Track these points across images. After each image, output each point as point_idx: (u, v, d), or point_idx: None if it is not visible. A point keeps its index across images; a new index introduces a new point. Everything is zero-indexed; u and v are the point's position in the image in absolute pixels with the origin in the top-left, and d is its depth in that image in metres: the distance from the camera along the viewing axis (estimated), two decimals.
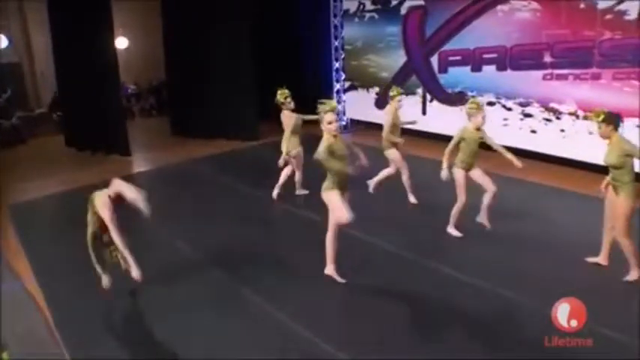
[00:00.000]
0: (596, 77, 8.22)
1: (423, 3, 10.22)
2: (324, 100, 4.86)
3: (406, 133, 8.46)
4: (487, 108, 9.17)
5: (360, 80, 11.88)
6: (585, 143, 8.32)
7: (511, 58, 9.19)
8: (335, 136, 4.78)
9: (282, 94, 7.08)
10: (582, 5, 8.09)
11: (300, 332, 4.30)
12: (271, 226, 6.91)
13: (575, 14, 8.20)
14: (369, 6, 11.15)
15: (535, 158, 8.60)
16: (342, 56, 12.04)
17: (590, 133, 8.19)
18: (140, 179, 9.10)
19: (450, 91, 10.28)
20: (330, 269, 5.12)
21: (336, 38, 11.85)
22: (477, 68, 9.80)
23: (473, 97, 9.80)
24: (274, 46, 12.14)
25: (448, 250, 5.78)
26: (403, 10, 10.58)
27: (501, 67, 9.40)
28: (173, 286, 5.10)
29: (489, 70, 9.60)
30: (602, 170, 5.20)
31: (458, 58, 10.03)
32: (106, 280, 4.66)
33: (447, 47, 10.12)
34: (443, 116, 10.20)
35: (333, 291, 4.95)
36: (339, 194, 4.82)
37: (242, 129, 11.43)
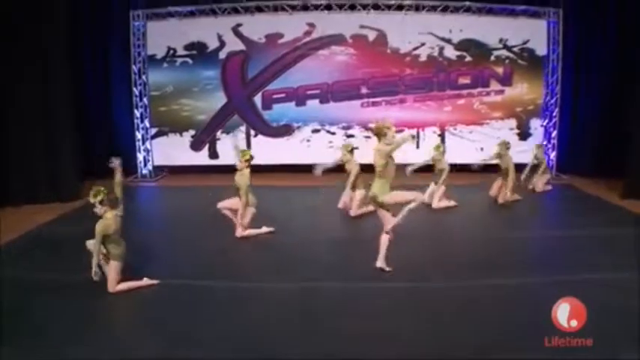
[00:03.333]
0: (402, 101, 11.18)
1: (244, 48, 11.10)
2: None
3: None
4: (312, 135, 11.07)
5: (170, 125, 11.35)
6: (397, 150, 10.56)
7: (332, 92, 11.18)
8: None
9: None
10: (388, 50, 11.01)
11: None
12: None
13: (384, 56, 11.04)
14: (181, 51, 11.11)
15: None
16: (146, 103, 11.31)
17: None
18: None
19: (275, 124, 11.31)
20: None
21: (136, 85, 11.07)
22: (301, 103, 11.31)
23: (298, 127, 11.34)
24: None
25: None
26: (222, 55, 11.12)
27: (324, 100, 11.25)
28: None
29: (313, 103, 11.27)
30: None
31: (282, 95, 11.33)
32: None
33: (270, 87, 11.23)
34: (268, 147, 11.03)
35: None
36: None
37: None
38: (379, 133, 5.57)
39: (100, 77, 11.33)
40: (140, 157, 11.41)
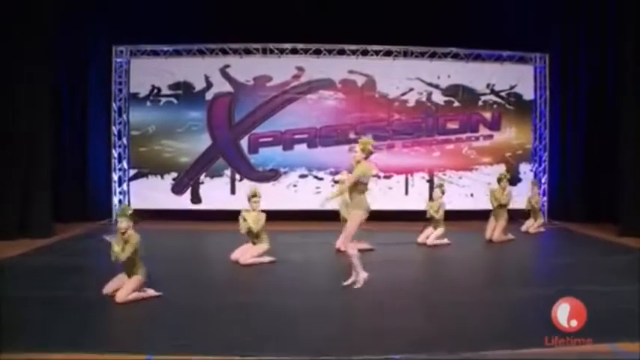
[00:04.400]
0: (391, 147, 11.07)
1: (231, 90, 10.91)
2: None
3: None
4: (299, 180, 10.83)
5: (151, 167, 10.83)
6: (385, 196, 10.62)
7: (320, 137, 11.01)
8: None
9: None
10: (377, 95, 11.03)
11: None
12: None
13: (373, 101, 11.04)
14: (165, 90, 10.81)
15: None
16: (126, 143, 10.81)
17: (390, 188, 10.98)
18: None
19: (261, 169, 10.97)
20: None
21: (115, 124, 10.63)
22: (288, 147, 11.06)
23: (285, 172, 11.05)
24: None
25: None
26: (209, 96, 10.88)
27: (312, 145, 11.05)
28: None
29: (301, 148, 11.04)
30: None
31: (269, 139, 11.06)
32: None
33: (257, 130, 10.97)
34: None
35: None
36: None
37: None
38: (364, 149, 5.86)
39: (77, 114, 10.72)
40: (115, 199, 10.77)
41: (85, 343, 4.14)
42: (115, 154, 10.75)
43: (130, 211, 5.46)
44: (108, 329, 4.69)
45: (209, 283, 6.27)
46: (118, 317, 5.00)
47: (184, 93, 10.87)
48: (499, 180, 9.02)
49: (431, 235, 8.57)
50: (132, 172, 10.87)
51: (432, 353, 3.88)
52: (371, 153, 5.95)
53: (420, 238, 8.59)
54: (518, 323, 4.58)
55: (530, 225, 9.71)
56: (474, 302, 5.36)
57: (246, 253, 7.22)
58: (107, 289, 5.46)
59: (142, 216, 6.18)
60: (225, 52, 10.76)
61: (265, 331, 4.47)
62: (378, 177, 10.67)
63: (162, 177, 10.89)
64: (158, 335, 4.37)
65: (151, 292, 5.52)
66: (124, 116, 10.83)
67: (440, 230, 8.59)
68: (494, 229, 8.85)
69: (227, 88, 10.92)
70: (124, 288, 5.34)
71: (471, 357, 3.82)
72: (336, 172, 11.03)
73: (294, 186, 10.99)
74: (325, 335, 4.36)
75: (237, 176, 10.99)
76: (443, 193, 8.74)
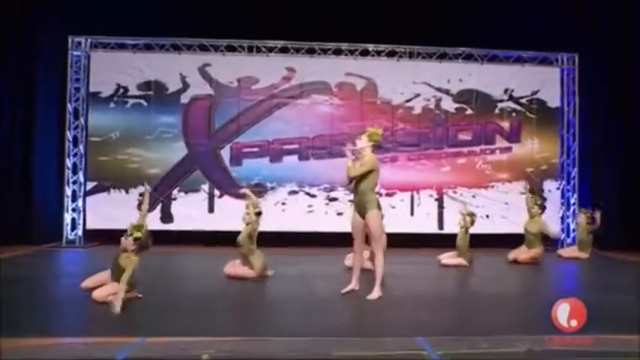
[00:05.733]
0: (394, 160, 9.79)
1: (212, 92, 9.52)
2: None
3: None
4: (288, 197, 9.78)
5: (113, 179, 9.26)
6: (387, 217, 9.01)
7: (313, 148, 9.68)
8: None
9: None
10: (378, 101, 9.75)
11: None
12: None
13: (373, 108, 9.77)
14: (133, 90, 9.34)
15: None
16: (83, 151, 9.21)
17: (393, 207, 9.57)
18: None
19: (244, 183, 9.41)
20: None
21: (70, 129, 9.04)
22: (276, 159, 9.68)
23: (272, 187, 9.64)
24: None
25: None
26: (185, 99, 9.46)
27: (304, 157, 9.71)
28: None
29: (291, 160, 9.69)
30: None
31: (254, 149, 9.68)
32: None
33: (241, 139, 9.59)
34: (235, 211, 8.59)
35: None
36: None
37: None
38: (372, 138, 5.38)
39: (20, 116, 9.13)
40: (68, 218, 9.18)
41: None
42: (68, 164, 9.19)
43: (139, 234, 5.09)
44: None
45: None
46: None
47: (156, 94, 9.48)
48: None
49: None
50: (89, 185, 9.29)
51: (456, 336, 3.95)
52: (379, 145, 5.55)
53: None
54: None
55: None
56: None
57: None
58: (87, 282, 5.29)
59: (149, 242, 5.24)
60: (204, 48, 9.44)
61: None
62: (379, 194, 9.33)
63: (126, 192, 9.36)
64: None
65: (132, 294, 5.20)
66: (82, 119, 9.32)
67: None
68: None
69: (206, 90, 9.60)
70: (103, 288, 5.10)
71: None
72: (332, 189, 9.75)
73: (283, 204, 9.61)
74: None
75: (217, 192, 9.54)
76: (472, 223, 7.75)
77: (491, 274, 7.32)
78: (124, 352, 3.40)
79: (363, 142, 5.36)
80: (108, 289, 5.02)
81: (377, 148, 5.43)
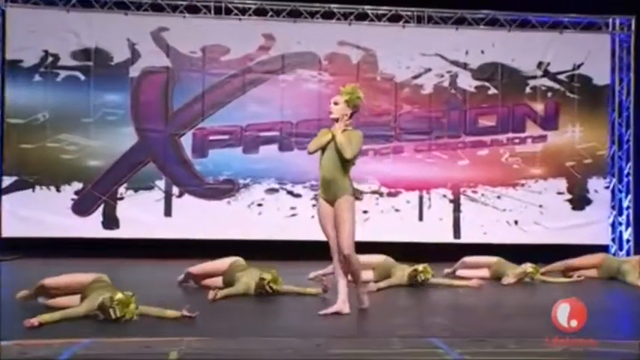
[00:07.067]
0: (398, 151, 8.40)
1: (169, 65, 7.96)
2: None
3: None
4: (266, 197, 8.29)
5: (39, 173, 7.79)
6: (389, 223, 8.22)
7: (297, 136, 8.20)
8: None
9: None
10: (379, 78, 8.27)
11: None
12: None
13: (373, 86, 8.21)
14: (66, 60, 7.82)
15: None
16: None
17: (397, 210, 8.29)
18: None
19: (211, 180, 8.12)
20: None
21: None
22: (251, 149, 8.24)
23: (246, 185, 8.21)
24: None
25: None
26: (134, 72, 7.92)
27: (285, 147, 8.29)
28: None
29: (269, 150, 8.25)
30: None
31: (223, 137, 8.26)
32: None
33: (206, 124, 8.12)
34: (198, 214, 7.98)
35: None
36: None
37: None
38: (350, 102, 4.40)
39: None
40: None
41: None
42: None
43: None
44: None
45: None
46: None
47: (96, 65, 8.00)
48: None
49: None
50: (7, 181, 7.77)
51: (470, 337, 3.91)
52: (357, 109, 4.57)
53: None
54: None
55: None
56: None
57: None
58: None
59: None
60: (159, 7, 7.97)
61: None
62: (380, 194, 8.26)
63: (57, 189, 7.89)
64: None
65: None
66: None
67: None
68: None
69: (162, 60, 8.13)
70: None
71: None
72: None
73: (259, 205, 8.23)
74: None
75: (175, 190, 8.10)
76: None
77: None
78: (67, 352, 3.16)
79: (342, 108, 4.38)
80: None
81: (355, 111, 4.52)
